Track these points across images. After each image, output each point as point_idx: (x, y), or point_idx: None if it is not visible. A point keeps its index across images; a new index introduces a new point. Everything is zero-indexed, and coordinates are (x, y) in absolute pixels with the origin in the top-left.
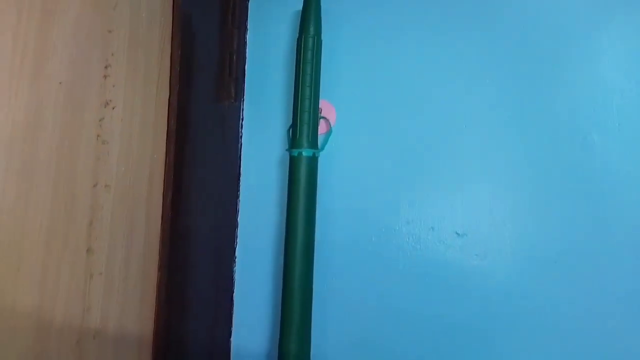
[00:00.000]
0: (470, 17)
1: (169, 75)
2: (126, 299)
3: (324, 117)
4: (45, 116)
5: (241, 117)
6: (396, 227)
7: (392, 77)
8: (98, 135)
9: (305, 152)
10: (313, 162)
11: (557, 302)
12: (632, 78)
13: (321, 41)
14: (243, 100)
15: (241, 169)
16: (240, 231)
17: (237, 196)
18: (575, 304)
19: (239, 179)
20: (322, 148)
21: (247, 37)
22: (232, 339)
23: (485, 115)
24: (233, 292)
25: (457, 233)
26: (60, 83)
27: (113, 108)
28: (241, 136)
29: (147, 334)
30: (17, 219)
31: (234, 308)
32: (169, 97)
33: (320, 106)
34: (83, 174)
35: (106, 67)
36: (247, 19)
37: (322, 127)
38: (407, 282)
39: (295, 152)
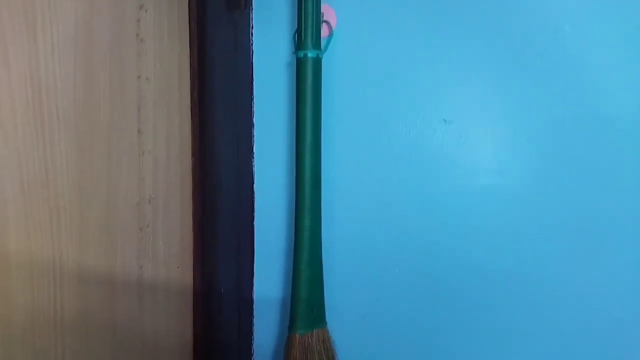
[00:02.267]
0: None
1: None
2: (169, 173)
3: (326, 21)
4: (96, 19)
5: (251, 24)
6: (391, 118)
7: None
8: (137, 34)
9: (310, 53)
10: (317, 62)
11: (525, 176)
12: None
13: None
14: (252, 8)
15: (253, 71)
16: (256, 128)
17: (252, 97)
18: (547, 181)
19: (252, 81)
20: (325, 50)
21: None
22: (254, 225)
23: (476, 19)
24: (253, 179)
25: (444, 120)
26: None
27: (146, 11)
28: (252, 42)
29: (187, 199)
30: (85, 108)
31: (255, 195)
32: (189, 2)
33: (322, 11)
34: (129, 67)
35: (138, 21)
36: None
37: (324, 31)
38: (401, 164)
39: (301, 54)
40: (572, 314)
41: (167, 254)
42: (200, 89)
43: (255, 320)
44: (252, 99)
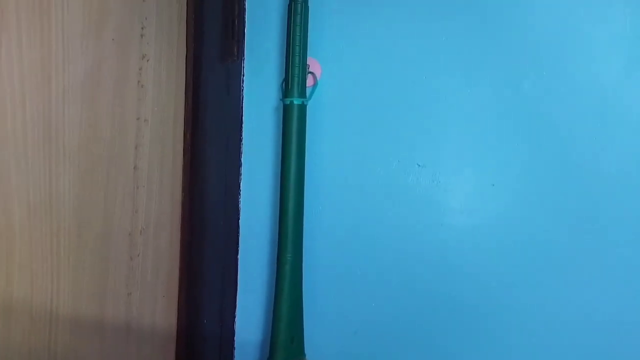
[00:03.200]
0: None
1: (185, 37)
2: (161, 206)
3: (311, 72)
4: (103, 67)
5: (242, 73)
6: (370, 161)
7: (373, 37)
8: (138, 81)
9: (296, 101)
10: (302, 109)
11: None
12: None
13: (308, 6)
14: (243, 59)
15: (243, 116)
16: (244, 167)
17: (241, 139)
18: (516, 216)
19: (241, 124)
20: (310, 98)
21: (246, 3)
22: (239, 259)
23: (456, 65)
24: (239, 214)
25: (418, 164)
26: (112, 40)
27: (148, 60)
28: (242, 89)
29: (175, 232)
30: (88, 145)
31: (240, 231)
32: (186, 54)
33: (307, 62)
34: (130, 110)
35: (142, 28)
36: None
37: (309, 81)
38: (379, 203)
39: (287, 101)
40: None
41: (154, 283)
42: (193, 130)
43: (236, 352)
44: (241, 140)
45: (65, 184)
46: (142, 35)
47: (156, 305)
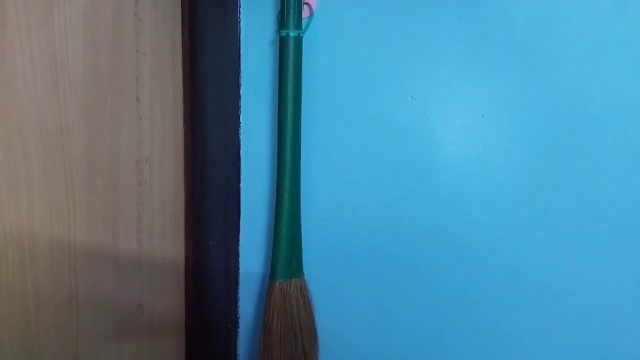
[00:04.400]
0: None
1: None
2: (163, 137)
3: (306, 3)
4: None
5: (239, 4)
6: (364, 95)
7: None
8: (135, 14)
9: (292, 33)
10: (298, 41)
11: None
12: None
13: None
14: None
15: (241, 49)
16: (242, 100)
17: (239, 71)
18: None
19: (239, 56)
20: (306, 30)
21: None
22: (240, 187)
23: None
24: (240, 145)
25: (410, 97)
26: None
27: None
28: (239, 21)
29: (179, 161)
30: (91, 78)
31: (241, 157)
32: None
33: None
34: (129, 43)
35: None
36: None
37: (305, 12)
38: (373, 134)
39: (283, 33)
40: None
41: (162, 207)
42: (192, 63)
43: (240, 271)
44: (239, 73)
45: (73, 115)
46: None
47: (165, 228)
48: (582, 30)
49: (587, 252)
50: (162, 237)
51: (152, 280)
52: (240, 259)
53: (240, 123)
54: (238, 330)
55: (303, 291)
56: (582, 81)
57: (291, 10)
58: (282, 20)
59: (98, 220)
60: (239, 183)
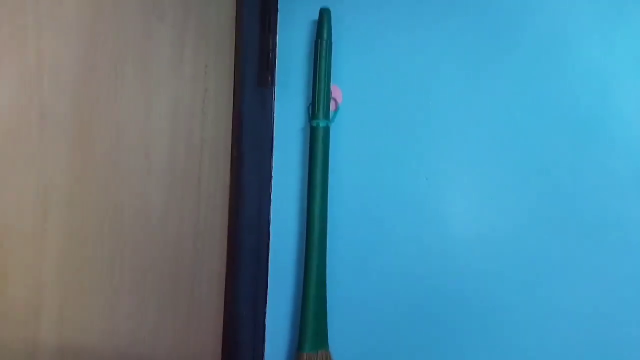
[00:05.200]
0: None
1: (233, 70)
2: (215, 208)
3: (333, 98)
4: (180, 98)
5: (274, 98)
6: (386, 178)
7: (388, 66)
8: (202, 109)
9: (321, 123)
10: (326, 130)
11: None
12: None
13: (332, 42)
14: (275, 85)
15: (274, 136)
16: (274, 181)
17: (272, 156)
18: (512, 231)
19: (272, 144)
20: (333, 120)
21: (277, 38)
22: (269, 262)
23: (461, 94)
24: (269, 225)
25: (426, 179)
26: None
27: (207, 91)
28: (274, 112)
29: (223, 235)
30: (174, 159)
31: (270, 236)
32: (234, 84)
33: (331, 89)
34: (196, 133)
35: (206, 66)
36: (277, 25)
37: (332, 106)
38: (394, 212)
39: (314, 123)
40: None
41: (209, 272)
42: (237, 148)
43: (266, 342)
44: (272, 157)
45: (156, 195)
46: (205, 73)
47: (210, 296)
48: (593, 112)
49: (588, 325)
50: (207, 310)
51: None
52: (266, 331)
53: (271, 203)
54: None
55: None
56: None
57: (321, 104)
58: (312, 112)
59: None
60: (268, 258)
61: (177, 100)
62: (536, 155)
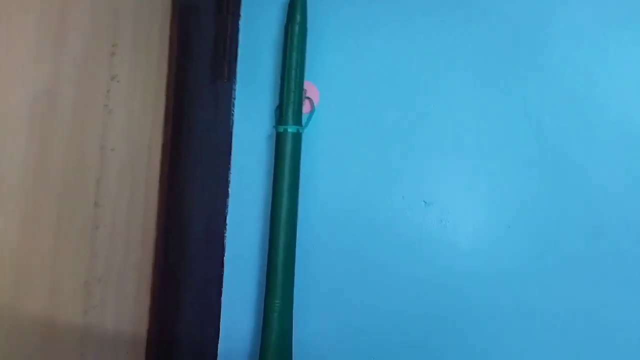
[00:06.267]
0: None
1: (168, 56)
2: (128, 248)
3: (308, 97)
4: (64, 89)
5: (233, 96)
6: (372, 197)
7: (374, 60)
8: (105, 105)
9: (290, 129)
10: (297, 137)
11: (516, 264)
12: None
13: (306, 29)
14: (235, 80)
15: (232, 143)
16: (231, 200)
17: (229, 169)
18: (530, 267)
19: (230, 153)
20: (306, 125)
21: (240, 23)
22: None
23: (461, 94)
24: (224, 254)
25: (424, 202)
26: (74, 58)
27: (118, 81)
28: (233, 114)
29: (146, 276)
30: (36, 177)
31: (224, 270)
32: (167, 75)
33: (304, 87)
34: (92, 137)
35: (114, 46)
36: (240, 7)
37: (306, 107)
38: (381, 244)
39: (281, 129)
40: None
41: (114, 341)
42: (172, 160)
43: None
44: (228, 169)
45: (5, 236)
46: (112, 54)
47: None
48: (615, 139)
49: None
50: None
51: None
52: None
53: (226, 228)
54: None
55: None
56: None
57: (290, 105)
58: (280, 115)
59: None
60: (220, 300)
61: (49, 91)
62: (523, 156)
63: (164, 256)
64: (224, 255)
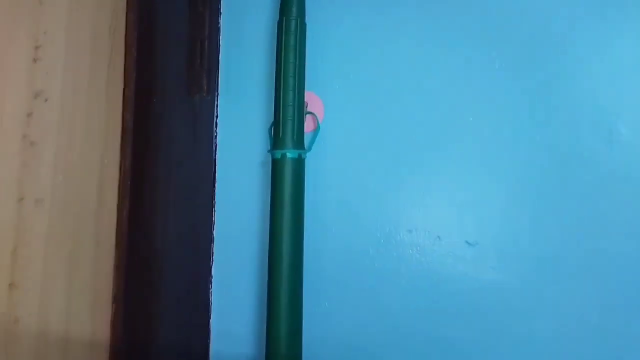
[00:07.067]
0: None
1: (123, 64)
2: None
3: (310, 112)
4: None
5: (215, 113)
6: (397, 236)
7: (389, 64)
8: (24, 135)
9: (290, 154)
10: (299, 164)
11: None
12: None
13: (305, 24)
14: (217, 93)
15: (216, 173)
16: (216, 246)
17: (213, 205)
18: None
19: (213, 186)
20: (310, 148)
21: (221, 21)
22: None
23: (494, 107)
24: (210, 318)
25: (467, 242)
26: None
27: (45, 100)
28: (216, 135)
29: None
30: None
31: (211, 336)
32: (124, 89)
33: (306, 99)
34: (2, 185)
35: (36, 49)
36: (220, 1)
37: (308, 124)
38: (411, 301)
39: (277, 154)
40: None
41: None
42: (134, 204)
43: None
44: (212, 208)
45: None
46: (34, 60)
47: None
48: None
49: None
50: None
51: None
52: None
53: (211, 282)
54: None
55: None
56: None
57: (288, 124)
58: (275, 136)
59: None
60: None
61: None
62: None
63: (121, 329)
64: (209, 318)
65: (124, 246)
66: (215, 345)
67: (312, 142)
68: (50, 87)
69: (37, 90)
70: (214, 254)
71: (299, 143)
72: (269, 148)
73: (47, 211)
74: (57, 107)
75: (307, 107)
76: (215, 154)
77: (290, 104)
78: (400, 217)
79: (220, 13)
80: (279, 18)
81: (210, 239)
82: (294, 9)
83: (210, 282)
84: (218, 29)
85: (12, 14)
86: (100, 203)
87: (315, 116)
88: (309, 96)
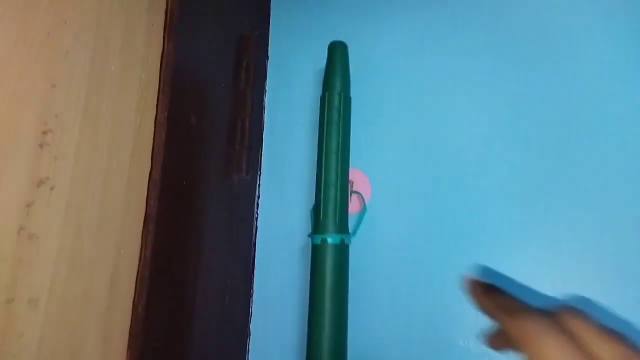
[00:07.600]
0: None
1: (151, 143)
2: None
3: (356, 192)
4: None
5: (257, 194)
6: (456, 339)
7: (439, 140)
8: (21, 228)
9: (332, 239)
10: (342, 250)
11: None
12: None
13: (350, 98)
14: (260, 173)
15: (255, 259)
16: (253, 338)
17: (250, 294)
18: None
19: (252, 272)
20: (355, 232)
21: (266, 99)
22: None
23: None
24: None
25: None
26: None
27: (51, 189)
28: (256, 218)
29: None
30: None
31: None
32: (150, 171)
33: (351, 178)
34: None
35: (44, 133)
36: (265, 79)
37: (353, 205)
38: None
39: (318, 239)
40: None
41: None
42: (150, 304)
43: None
44: (250, 297)
45: None
46: (40, 145)
47: None
48: None
49: None
50: None
51: None
52: None
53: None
54: None
55: None
56: None
57: (330, 206)
58: (316, 220)
59: None
60: None
61: None
62: None
63: None
64: None
65: (138, 353)
66: None
67: (357, 225)
68: (57, 174)
69: (41, 177)
70: (249, 352)
71: (342, 227)
72: (310, 232)
73: (42, 312)
74: (65, 195)
75: (352, 186)
76: (255, 237)
77: (333, 183)
78: (462, 320)
79: (265, 91)
80: (322, 93)
81: (246, 335)
82: (338, 84)
83: None
84: (263, 107)
85: (19, 94)
86: (112, 299)
87: (362, 196)
88: (355, 174)
